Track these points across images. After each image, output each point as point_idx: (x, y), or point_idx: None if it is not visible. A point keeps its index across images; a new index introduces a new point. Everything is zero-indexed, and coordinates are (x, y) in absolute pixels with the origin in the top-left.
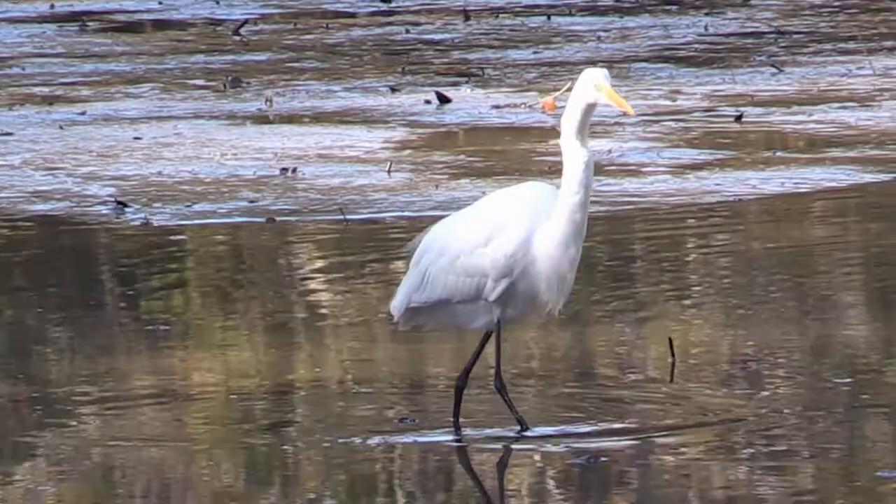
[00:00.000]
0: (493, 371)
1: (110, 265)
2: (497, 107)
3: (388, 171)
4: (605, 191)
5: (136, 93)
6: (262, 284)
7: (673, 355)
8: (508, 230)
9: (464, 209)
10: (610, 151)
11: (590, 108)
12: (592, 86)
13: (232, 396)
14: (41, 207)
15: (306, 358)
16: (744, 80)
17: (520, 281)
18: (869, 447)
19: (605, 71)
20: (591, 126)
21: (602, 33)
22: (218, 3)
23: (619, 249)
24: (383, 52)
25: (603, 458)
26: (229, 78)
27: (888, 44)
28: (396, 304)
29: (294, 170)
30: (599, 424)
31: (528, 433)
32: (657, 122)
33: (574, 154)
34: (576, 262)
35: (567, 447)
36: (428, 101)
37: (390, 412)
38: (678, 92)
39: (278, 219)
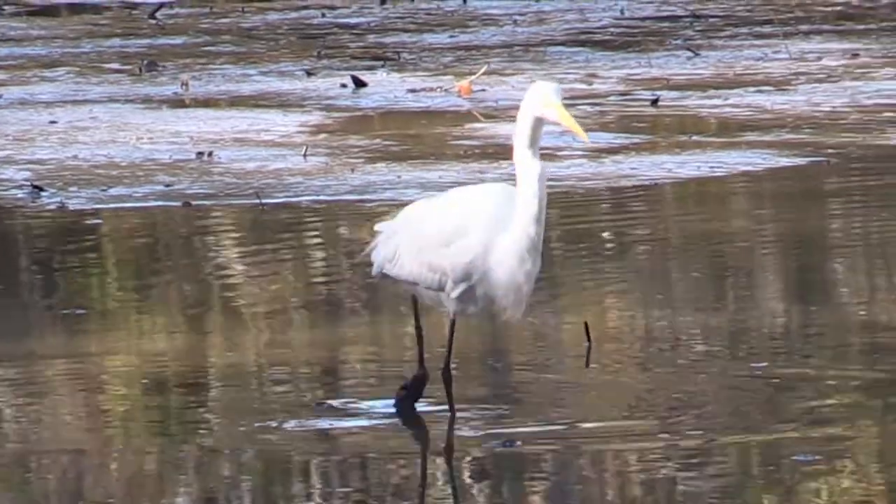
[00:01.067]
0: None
1: (26, 249)
2: (413, 91)
3: (304, 155)
4: None
5: (51, 77)
6: (178, 269)
7: (589, 340)
8: (469, 237)
9: (438, 197)
10: None
11: (538, 122)
12: (540, 100)
13: (147, 381)
14: None
15: (222, 342)
16: (660, 63)
17: (478, 285)
18: (785, 431)
19: (556, 85)
20: (506, 110)
21: (518, 17)
22: None
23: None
24: (299, 36)
25: (518, 442)
26: (145, 62)
27: (804, 28)
28: (374, 266)
29: (210, 154)
30: (516, 410)
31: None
32: (573, 105)
33: (527, 168)
34: (532, 273)
35: (485, 432)
36: (344, 85)
37: (307, 396)
38: (594, 76)
39: (194, 203)
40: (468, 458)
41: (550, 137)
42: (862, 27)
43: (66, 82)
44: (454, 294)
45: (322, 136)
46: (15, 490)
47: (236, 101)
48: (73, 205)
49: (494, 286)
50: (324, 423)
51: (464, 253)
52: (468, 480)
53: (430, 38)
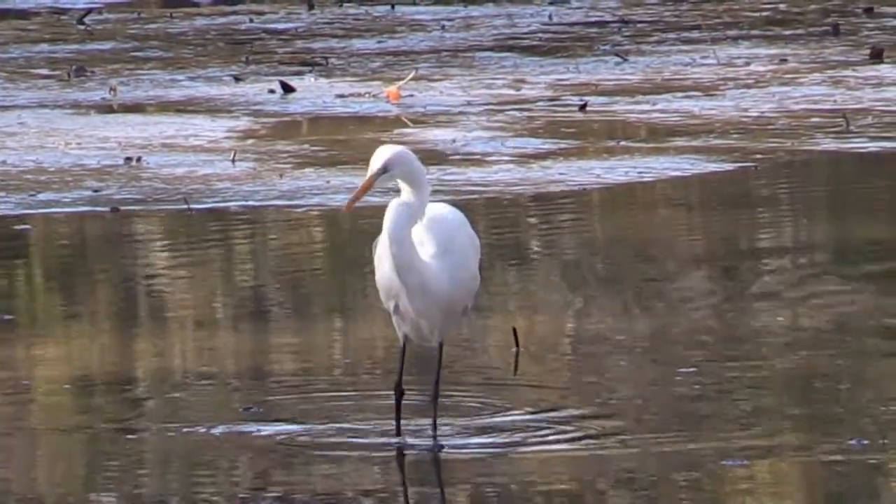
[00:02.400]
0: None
1: None
2: (341, 96)
3: (233, 161)
4: (450, 180)
5: None
6: (106, 274)
7: (517, 345)
8: (382, 264)
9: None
10: (454, 141)
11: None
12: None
13: (73, 387)
14: None
15: (150, 348)
16: (588, 69)
17: (399, 308)
18: (713, 435)
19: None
20: (434, 115)
21: (446, 22)
22: None
23: None
24: (227, 42)
25: (444, 446)
26: (73, 67)
27: (732, 33)
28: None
29: (138, 159)
30: (448, 416)
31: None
32: (501, 111)
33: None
34: (429, 311)
35: (410, 438)
36: (272, 91)
37: (234, 401)
38: (522, 81)
39: (122, 208)
40: (396, 463)
41: (479, 143)
42: (790, 32)
43: None
44: (390, 309)
45: (250, 141)
46: None
47: (164, 107)
48: (0, 210)
49: (406, 311)
50: (251, 428)
51: (379, 277)
52: (394, 484)
53: (358, 44)
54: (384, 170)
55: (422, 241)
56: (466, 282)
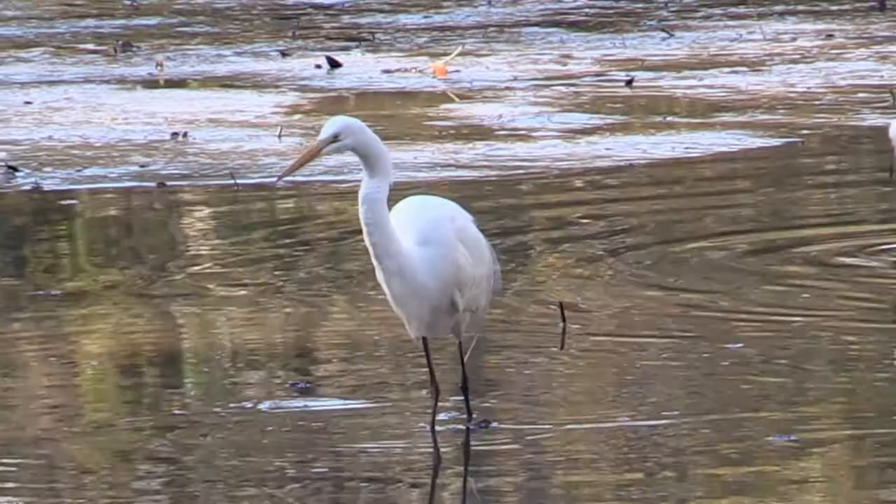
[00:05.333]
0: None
1: (1, 229)
2: (388, 71)
3: (279, 136)
4: (496, 155)
5: (26, 57)
6: (153, 249)
7: (564, 320)
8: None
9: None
10: (500, 116)
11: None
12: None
13: (119, 361)
14: None
15: (196, 323)
16: (634, 44)
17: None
18: (760, 410)
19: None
20: (481, 90)
21: None
22: None
23: (511, 214)
24: (274, 17)
25: (493, 423)
26: (120, 42)
27: (778, 8)
28: None
29: (184, 134)
30: (494, 391)
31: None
32: (547, 86)
33: None
34: (409, 302)
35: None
36: (318, 66)
37: (282, 378)
38: (568, 56)
39: (169, 183)
40: (444, 439)
41: (525, 118)
42: (836, 8)
43: (41, 63)
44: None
45: (297, 116)
46: None
47: (211, 82)
48: (47, 185)
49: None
50: (298, 404)
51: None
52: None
53: (404, 19)
54: (334, 138)
55: (403, 231)
56: (449, 274)
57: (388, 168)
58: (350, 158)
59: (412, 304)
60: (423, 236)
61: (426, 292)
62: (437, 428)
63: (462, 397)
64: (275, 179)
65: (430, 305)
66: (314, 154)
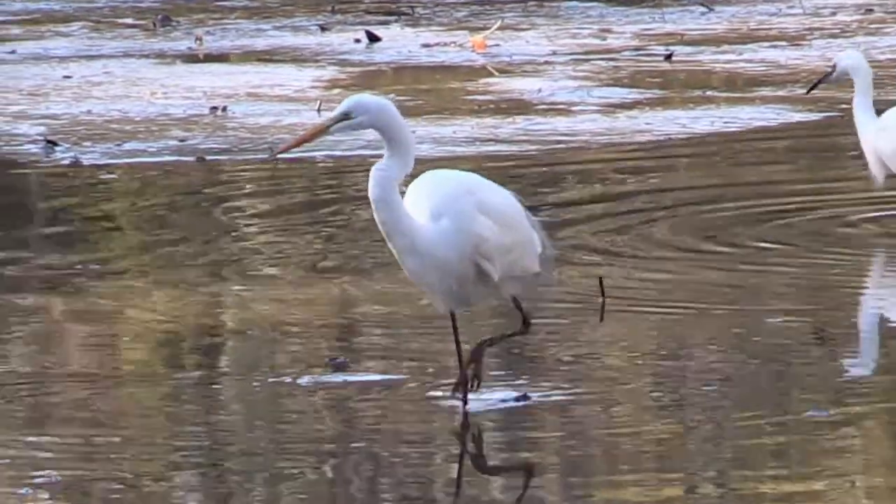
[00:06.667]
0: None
1: (40, 203)
2: (427, 46)
3: (318, 110)
4: (535, 129)
5: (65, 31)
6: (192, 224)
7: (603, 295)
8: None
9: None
10: (540, 90)
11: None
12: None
13: (159, 336)
14: None
15: (235, 298)
16: (674, 18)
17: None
18: (796, 386)
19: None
20: (520, 65)
21: None
22: None
23: (550, 188)
24: None
25: (533, 396)
26: (159, 17)
27: None
28: None
29: (224, 108)
30: (530, 369)
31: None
32: (587, 60)
33: None
34: (427, 275)
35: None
36: (357, 40)
37: (321, 352)
38: (608, 31)
39: (208, 157)
40: (478, 413)
41: (564, 93)
42: None
43: (80, 37)
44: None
45: (336, 91)
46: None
47: (250, 56)
48: (86, 160)
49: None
50: (338, 379)
51: None
52: (482, 433)
53: None
54: (345, 115)
55: (417, 206)
56: (467, 245)
57: (406, 152)
58: None
59: (433, 278)
60: (437, 210)
61: (447, 266)
62: (472, 405)
63: (504, 370)
64: (271, 155)
65: (455, 277)
66: (319, 132)
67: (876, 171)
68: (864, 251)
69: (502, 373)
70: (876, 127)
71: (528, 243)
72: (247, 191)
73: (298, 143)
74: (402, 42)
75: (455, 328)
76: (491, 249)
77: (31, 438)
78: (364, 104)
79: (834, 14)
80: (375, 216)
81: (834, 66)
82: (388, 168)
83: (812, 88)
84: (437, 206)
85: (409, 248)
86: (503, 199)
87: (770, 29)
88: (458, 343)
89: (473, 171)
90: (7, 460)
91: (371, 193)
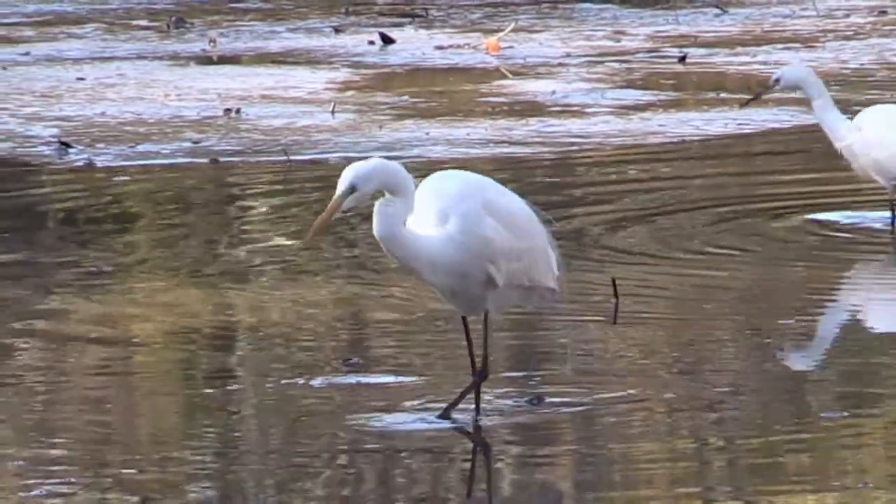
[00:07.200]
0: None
1: (53, 205)
2: (441, 48)
3: (332, 112)
4: (549, 131)
5: (79, 33)
6: (206, 226)
7: (616, 296)
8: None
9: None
10: (554, 92)
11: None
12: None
13: (172, 338)
14: None
15: (249, 299)
16: (687, 20)
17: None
18: (810, 389)
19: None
20: (534, 67)
21: None
22: None
23: (563, 189)
24: None
25: (546, 399)
26: (173, 18)
27: None
28: None
29: (238, 110)
30: (543, 369)
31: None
32: (600, 62)
33: None
34: (435, 279)
35: (510, 390)
36: (371, 42)
37: (334, 354)
38: (622, 33)
39: (222, 159)
40: (493, 414)
41: (578, 94)
42: None
43: (93, 39)
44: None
45: (350, 92)
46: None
47: (264, 58)
48: (100, 161)
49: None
50: (350, 380)
51: None
52: (495, 432)
53: None
54: (351, 189)
55: (423, 209)
56: (474, 246)
57: (409, 192)
58: (403, 134)
59: (439, 281)
60: (443, 211)
61: (458, 268)
62: (485, 406)
63: (511, 373)
64: (307, 237)
65: (457, 279)
66: (335, 209)
67: (860, 172)
68: (874, 253)
69: (515, 375)
70: (854, 135)
71: (541, 253)
72: (261, 192)
73: (325, 222)
74: (415, 44)
75: (467, 331)
76: (496, 252)
77: (43, 440)
78: (363, 172)
79: (847, 16)
80: (384, 250)
81: (776, 80)
82: (393, 203)
83: (748, 103)
84: (444, 206)
85: (427, 265)
86: (512, 202)
87: (784, 31)
88: (471, 349)
89: (487, 173)
90: (21, 462)
91: (377, 231)
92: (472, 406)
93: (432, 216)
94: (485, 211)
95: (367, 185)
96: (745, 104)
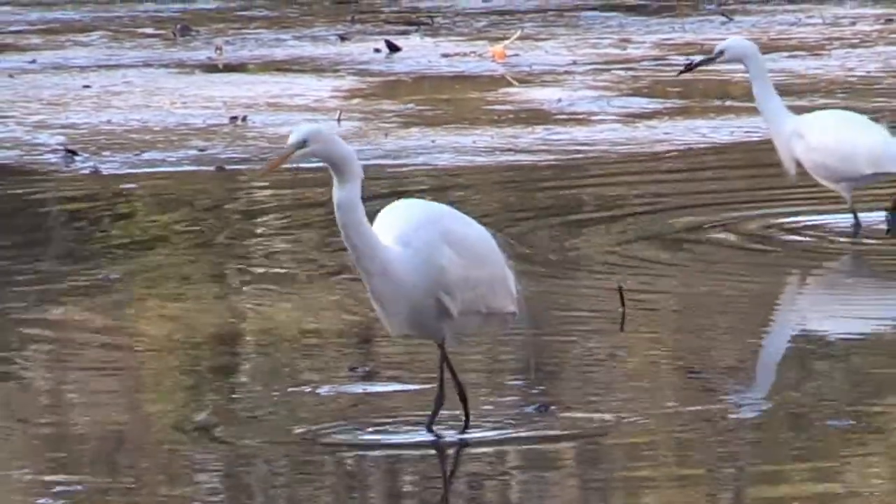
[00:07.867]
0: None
1: (59, 213)
2: (446, 55)
3: (338, 120)
4: (555, 139)
5: (85, 41)
6: (211, 233)
7: (623, 304)
8: None
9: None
10: (559, 100)
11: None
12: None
13: (180, 345)
14: None
15: (255, 307)
16: (693, 28)
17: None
18: (818, 395)
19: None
20: (540, 74)
21: None
22: None
23: (569, 197)
24: (333, 1)
25: (553, 406)
26: (178, 26)
27: None
28: None
29: (244, 118)
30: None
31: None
32: (606, 70)
33: None
34: (385, 297)
35: (517, 397)
36: (377, 50)
37: (341, 362)
38: (628, 41)
39: (228, 167)
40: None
41: (584, 102)
42: None
43: (99, 47)
44: None
45: (356, 100)
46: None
47: (270, 66)
48: (106, 169)
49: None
50: (356, 389)
51: None
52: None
53: (463, 3)
54: (303, 143)
55: (385, 233)
56: (430, 275)
57: (356, 171)
58: (409, 142)
59: (393, 303)
60: (404, 238)
61: (413, 292)
62: (490, 413)
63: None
64: (259, 175)
65: (411, 305)
66: (285, 158)
67: (788, 165)
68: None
69: (522, 383)
70: (792, 129)
71: (500, 280)
72: (267, 200)
73: (275, 166)
74: (421, 52)
75: (443, 356)
76: (451, 282)
77: (49, 455)
78: (317, 134)
79: (853, 24)
80: (346, 241)
81: (720, 52)
82: (350, 190)
83: (686, 70)
84: (404, 233)
85: (381, 272)
86: (471, 231)
87: (790, 39)
88: (441, 370)
89: (493, 179)
90: (27, 471)
91: (340, 221)
92: (479, 419)
93: (391, 241)
94: (442, 240)
95: (315, 144)
96: (682, 72)
